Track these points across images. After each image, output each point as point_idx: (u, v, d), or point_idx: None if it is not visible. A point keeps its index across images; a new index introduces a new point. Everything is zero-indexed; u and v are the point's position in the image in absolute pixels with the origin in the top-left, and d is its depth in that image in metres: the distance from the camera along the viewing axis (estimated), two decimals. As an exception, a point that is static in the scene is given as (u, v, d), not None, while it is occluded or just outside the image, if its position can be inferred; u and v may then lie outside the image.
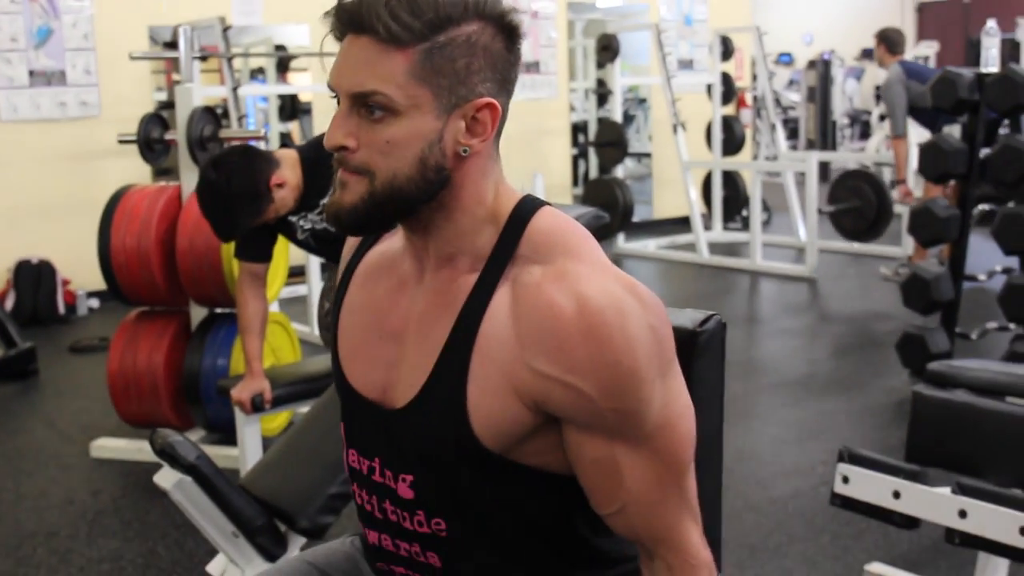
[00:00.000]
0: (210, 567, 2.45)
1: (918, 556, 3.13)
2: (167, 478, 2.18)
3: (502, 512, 1.31)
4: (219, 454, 4.00)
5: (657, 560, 1.28)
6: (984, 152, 4.62)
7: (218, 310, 4.21)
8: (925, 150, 4.72)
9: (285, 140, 7.68)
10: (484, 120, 1.23)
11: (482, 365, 1.23)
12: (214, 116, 4.15)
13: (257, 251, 3.24)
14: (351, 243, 1.46)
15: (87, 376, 5.44)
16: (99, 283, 4.50)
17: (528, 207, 1.28)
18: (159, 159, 4.41)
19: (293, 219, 3.15)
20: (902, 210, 7.89)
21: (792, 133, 13.00)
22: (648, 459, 1.24)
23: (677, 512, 1.27)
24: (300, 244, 3.25)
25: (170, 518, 3.52)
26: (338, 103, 1.24)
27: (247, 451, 3.32)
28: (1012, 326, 4.84)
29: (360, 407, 1.37)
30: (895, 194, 7.59)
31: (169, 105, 4.88)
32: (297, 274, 5.57)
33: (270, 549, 2.28)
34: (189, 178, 4.07)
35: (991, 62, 4.54)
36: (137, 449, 4.10)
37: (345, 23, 1.22)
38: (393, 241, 1.40)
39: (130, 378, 4.07)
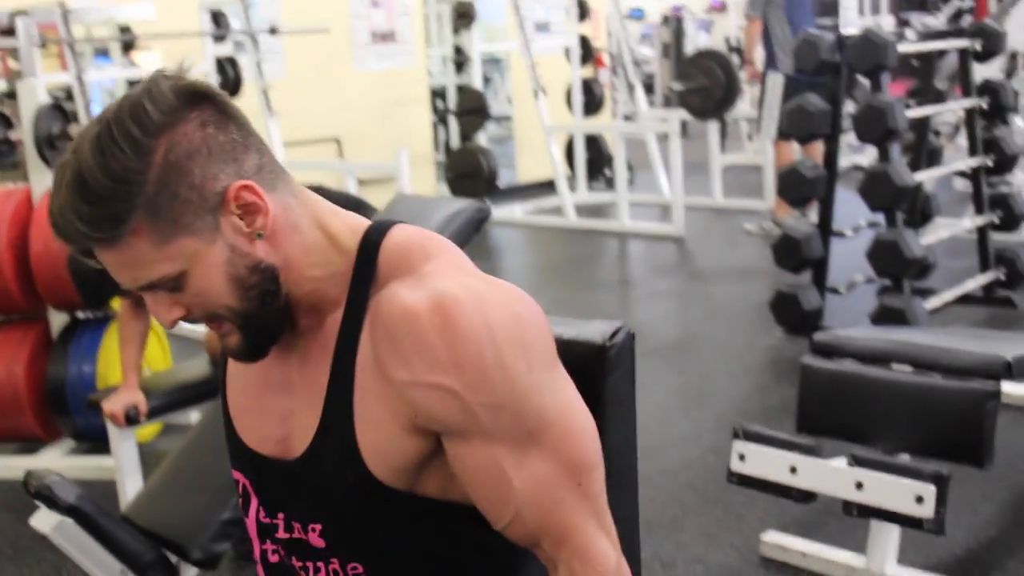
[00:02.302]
0: (98, 606, 2.31)
1: (811, 520, 3.17)
2: (46, 521, 2.04)
3: (417, 548, 1.24)
4: (92, 465, 3.83)
5: (561, 567, 1.18)
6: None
7: (79, 315, 4.00)
8: (790, 112, 4.77)
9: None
10: (250, 201, 1.14)
11: (364, 400, 1.18)
12: (62, 113, 3.92)
13: None
14: None
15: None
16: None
17: (377, 230, 1.22)
18: (3, 159, 4.16)
19: None
20: (763, 163, 8.03)
21: (648, 88, 13.09)
22: (535, 459, 1.15)
23: (577, 513, 1.17)
24: None
25: (44, 540, 3.32)
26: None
27: (123, 466, 3.16)
28: (877, 279, 4.95)
29: (259, 464, 1.30)
30: (743, 74, 7.76)
31: (10, 95, 4.60)
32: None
33: (162, 583, 2.16)
34: (39, 179, 3.85)
35: (850, 22, 4.60)
36: (2, 466, 3.88)
37: (67, 243, 1.14)
38: None
39: (-11, 392, 3.84)
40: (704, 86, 7.70)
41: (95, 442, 3.97)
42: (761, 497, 3.23)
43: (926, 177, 4.84)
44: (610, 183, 9.44)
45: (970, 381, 2.64)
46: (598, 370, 1.37)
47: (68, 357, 3.84)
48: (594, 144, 9.07)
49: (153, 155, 1.09)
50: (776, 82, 6.91)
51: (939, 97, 5.44)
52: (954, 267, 5.79)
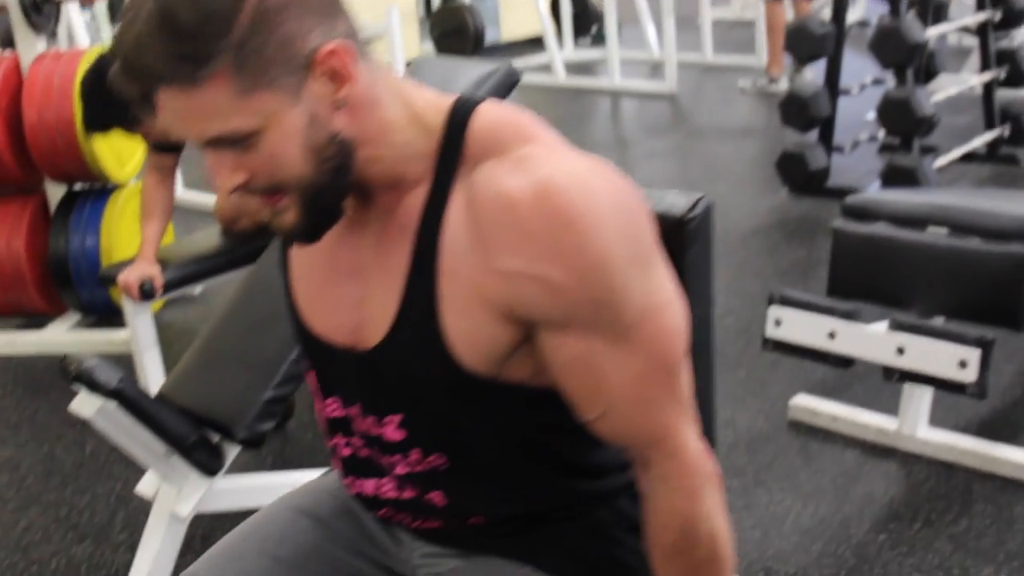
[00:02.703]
0: (140, 487, 2.28)
1: (835, 384, 3.16)
2: (87, 405, 1.97)
3: (501, 434, 1.21)
4: (102, 339, 3.77)
5: (652, 467, 1.16)
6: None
7: (77, 186, 3.88)
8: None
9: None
10: (339, 67, 1.05)
11: (451, 285, 1.11)
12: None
13: (164, 143, 3.03)
14: None
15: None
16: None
17: (463, 108, 1.14)
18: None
19: None
20: (753, 18, 7.85)
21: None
22: (630, 355, 1.11)
23: (668, 412, 1.14)
24: None
25: (61, 415, 3.29)
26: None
27: (140, 340, 3.09)
28: (880, 135, 4.89)
29: (330, 354, 1.24)
30: None
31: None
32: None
33: (207, 463, 2.12)
34: (27, 46, 3.68)
35: None
36: (7, 342, 3.81)
37: (133, 81, 1.03)
38: None
39: (-11, 267, 3.75)
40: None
41: (101, 315, 3.91)
42: (781, 359, 3.22)
43: (935, 33, 4.73)
44: (595, 40, 9.23)
45: (1010, 244, 2.59)
46: (677, 244, 1.32)
47: (69, 230, 3.74)
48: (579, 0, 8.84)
49: None
50: None
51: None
52: (955, 124, 5.73)
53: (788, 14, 7.08)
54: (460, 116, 1.14)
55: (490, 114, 1.14)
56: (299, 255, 1.28)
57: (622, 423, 1.14)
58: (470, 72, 2.56)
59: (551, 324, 1.10)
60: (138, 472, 2.87)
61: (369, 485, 1.30)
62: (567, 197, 1.05)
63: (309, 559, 1.35)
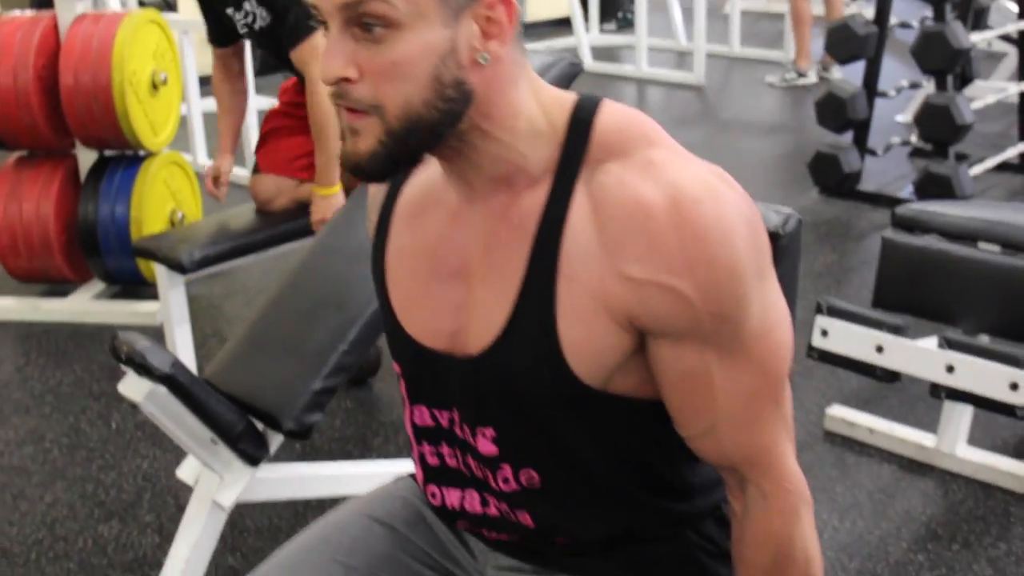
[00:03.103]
0: (181, 472, 2.24)
1: (870, 394, 3.13)
2: (137, 389, 1.94)
3: (594, 451, 1.17)
4: (125, 310, 3.75)
5: (750, 487, 1.14)
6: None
7: (108, 153, 3.83)
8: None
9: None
10: (499, 19, 1.03)
11: (569, 290, 1.07)
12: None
13: (215, 36, 3.25)
14: None
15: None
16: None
17: (587, 105, 1.11)
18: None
19: (228, 12, 3.06)
20: (783, 11, 7.77)
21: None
22: (743, 370, 1.09)
23: (772, 430, 1.13)
24: (244, 37, 3.20)
25: (85, 387, 3.27)
26: (325, 28, 1.03)
27: (172, 315, 3.07)
28: (913, 139, 4.84)
29: (426, 360, 1.20)
30: None
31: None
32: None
33: (252, 453, 2.08)
34: (65, 6, 3.62)
35: None
36: (32, 308, 3.78)
37: None
38: (431, 170, 1.20)
39: (16, 230, 3.70)
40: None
41: (125, 285, 3.87)
42: (815, 367, 3.18)
43: (979, 39, 4.67)
44: (621, 24, 9.16)
45: (1064, 266, 2.56)
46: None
47: (99, 196, 3.70)
48: (608, -18, 8.77)
49: None
50: None
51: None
52: (986, 131, 5.67)
53: (817, 7, 7.02)
54: (585, 114, 1.10)
55: (615, 114, 1.11)
56: (397, 251, 1.23)
57: (727, 439, 1.13)
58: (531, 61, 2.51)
59: (671, 335, 1.08)
60: (165, 451, 2.86)
61: (453, 496, 1.26)
62: (701, 209, 1.03)
63: (381, 569, 1.32)
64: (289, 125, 3.17)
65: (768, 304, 1.10)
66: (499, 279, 1.12)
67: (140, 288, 3.87)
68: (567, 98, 1.12)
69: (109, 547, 2.51)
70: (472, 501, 1.25)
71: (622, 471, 1.20)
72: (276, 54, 3.05)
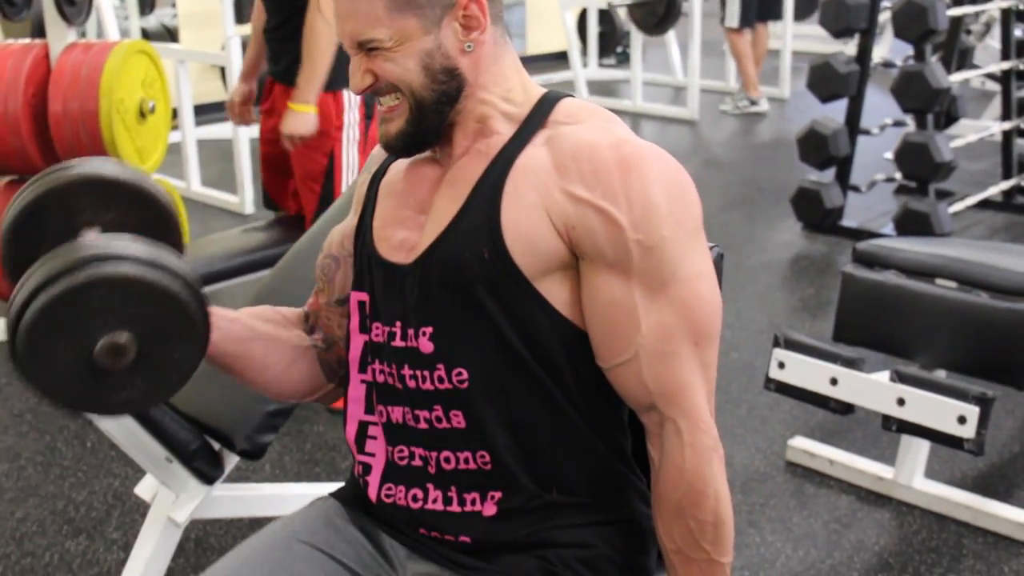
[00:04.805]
0: (139, 490, 2.30)
1: (835, 428, 3.18)
2: (93, 406, 1.99)
3: (519, 347, 1.27)
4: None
5: (667, 425, 1.25)
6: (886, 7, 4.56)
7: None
8: (827, 4, 4.64)
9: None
10: (474, 14, 1.26)
11: (516, 188, 1.26)
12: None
13: None
14: (369, 169, 1.47)
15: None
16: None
17: (557, 93, 1.34)
18: (20, 13, 4.00)
19: None
20: (779, 48, 7.85)
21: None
22: (664, 309, 1.23)
23: (689, 370, 1.24)
24: None
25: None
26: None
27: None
28: (897, 176, 4.90)
29: (389, 274, 1.34)
30: None
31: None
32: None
33: (206, 471, 2.14)
34: (57, 36, 3.71)
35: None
36: (17, 329, 3.83)
37: None
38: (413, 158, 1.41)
39: (4, 253, 3.76)
40: (647, 0, 7.43)
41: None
42: (784, 401, 3.23)
43: (959, 79, 4.74)
44: (620, 59, 9.25)
45: (1018, 302, 2.60)
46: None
47: (85, 221, 3.76)
48: (607, 17, 8.85)
49: None
50: None
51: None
52: (972, 169, 5.74)
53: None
54: (553, 96, 1.33)
55: (578, 101, 1.34)
56: (386, 194, 1.40)
57: (646, 371, 1.24)
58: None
59: (600, 258, 1.23)
60: (136, 471, 2.90)
61: (396, 412, 1.34)
62: (645, 156, 1.24)
63: None
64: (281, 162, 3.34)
65: (696, 257, 1.25)
66: (454, 189, 1.30)
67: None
68: (540, 89, 1.35)
69: (75, 563, 2.56)
70: (407, 416, 1.32)
71: (545, 380, 1.28)
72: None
